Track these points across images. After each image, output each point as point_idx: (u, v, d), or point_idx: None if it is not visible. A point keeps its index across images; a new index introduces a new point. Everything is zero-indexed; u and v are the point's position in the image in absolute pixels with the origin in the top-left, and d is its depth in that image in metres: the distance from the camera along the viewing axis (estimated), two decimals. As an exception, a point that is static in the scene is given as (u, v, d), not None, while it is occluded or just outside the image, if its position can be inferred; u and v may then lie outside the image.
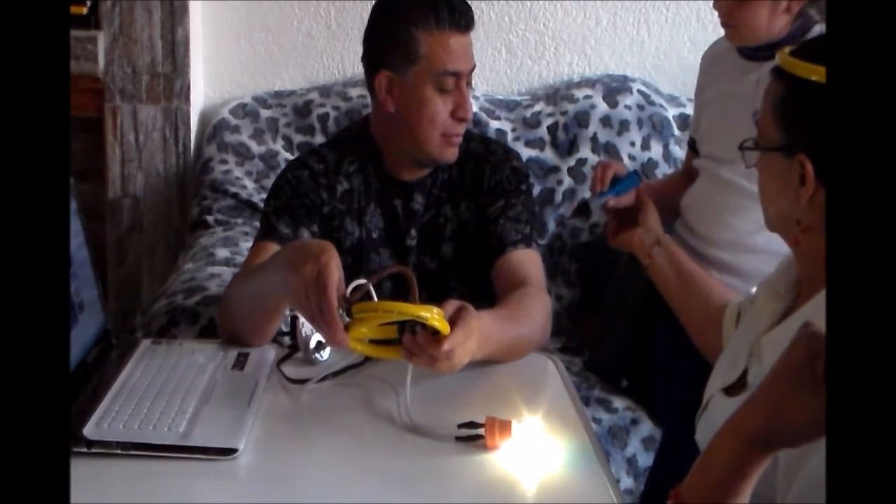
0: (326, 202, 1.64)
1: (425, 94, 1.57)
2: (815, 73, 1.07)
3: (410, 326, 1.28)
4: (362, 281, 1.30)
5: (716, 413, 1.19)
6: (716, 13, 1.81)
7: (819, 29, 1.73)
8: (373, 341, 1.34)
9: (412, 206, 1.67)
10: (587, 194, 2.50)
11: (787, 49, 1.14)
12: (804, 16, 1.74)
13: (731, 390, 1.20)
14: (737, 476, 0.91)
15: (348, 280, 1.30)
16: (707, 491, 0.93)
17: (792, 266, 1.23)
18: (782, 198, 1.14)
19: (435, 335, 1.27)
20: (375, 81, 1.60)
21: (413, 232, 1.67)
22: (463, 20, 1.57)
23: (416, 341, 1.28)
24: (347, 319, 1.27)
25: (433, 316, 1.26)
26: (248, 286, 1.48)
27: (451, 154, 1.62)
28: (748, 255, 1.76)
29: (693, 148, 2.02)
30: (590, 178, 2.53)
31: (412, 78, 1.57)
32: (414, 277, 1.31)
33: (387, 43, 1.59)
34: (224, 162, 2.53)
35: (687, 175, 2.06)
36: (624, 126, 2.56)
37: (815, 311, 1.09)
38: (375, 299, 1.29)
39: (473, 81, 2.64)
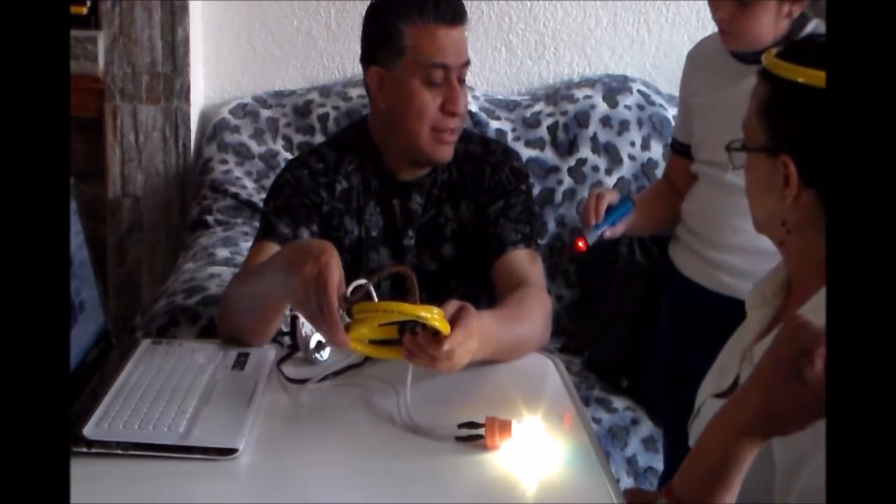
0: (326, 201, 1.64)
1: (412, 88, 1.57)
2: (801, 74, 1.07)
3: (411, 327, 1.28)
4: (362, 281, 1.29)
5: (707, 418, 1.19)
6: None
7: (813, 25, 1.72)
8: (373, 341, 1.34)
9: (410, 206, 1.67)
10: (587, 193, 2.52)
11: (773, 51, 1.14)
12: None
13: (723, 396, 1.20)
14: (727, 467, 0.92)
15: (349, 279, 1.30)
16: (698, 484, 0.94)
17: (779, 270, 1.23)
18: (767, 199, 1.15)
19: (435, 335, 1.27)
20: (368, 79, 1.61)
21: (410, 232, 1.67)
22: (449, 13, 1.56)
23: (416, 341, 1.28)
24: (348, 319, 1.27)
25: (433, 316, 1.26)
26: (248, 286, 1.47)
27: (444, 152, 1.61)
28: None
29: (679, 152, 1.97)
30: (590, 178, 2.55)
31: (400, 72, 1.57)
32: (414, 277, 1.31)
33: (375, 39, 1.60)
34: (224, 162, 2.53)
35: (669, 181, 2.00)
36: (624, 126, 2.56)
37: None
38: (376, 299, 1.29)
39: (473, 81, 2.63)
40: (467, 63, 1.60)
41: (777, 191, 1.11)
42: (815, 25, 1.71)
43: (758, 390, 0.92)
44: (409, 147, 1.61)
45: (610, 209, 1.73)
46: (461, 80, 1.59)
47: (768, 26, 1.67)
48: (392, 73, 1.58)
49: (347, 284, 1.29)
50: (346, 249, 1.63)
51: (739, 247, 1.75)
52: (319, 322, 1.28)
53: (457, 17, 1.57)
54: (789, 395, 0.88)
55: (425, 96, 1.57)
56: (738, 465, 0.92)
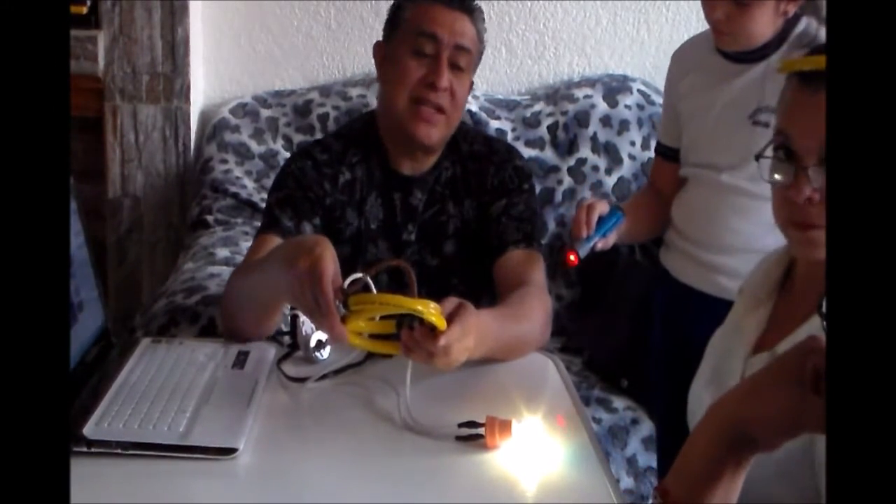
0: (329, 193, 1.64)
1: (400, 54, 1.61)
2: None
3: (408, 321, 1.27)
4: (359, 275, 1.29)
5: None
6: None
7: (804, 23, 1.71)
8: (371, 336, 1.34)
9: (411, 201, 1.67)
10: (588, 195, 2.52)
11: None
12: None
13: None
14: (714, 465, 0.90)
15: (348, 272, 1.30)
16: (688, 481, 0.92)
17: (770, 270, 1.23)
18: None
19: (433, 331, 1.27)
20: (373, 55, 1.68)
21: (410, 227, 1.67)
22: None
23: (413, 336, 1.27)
24: (344, 311, 1.27)
25: (429, 310, 1.25)
26: (248, 283, 1.48)
27: (423, 130, 1.60)
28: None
29: (665, 156, 1.94)
30: (590, 178, 2.55)
31: (394, 43, 1.63)
32: (412, 272, 1.31)
33: (387, 19, 1.67)
34: (224, 162, 2.53)
35: (654, 186, 1.98)
36: (624, 126, 2.56)
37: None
38: (374, 292, 1.28)
39: (474, 81, 2.62)
40: (463, 48, 1.60)
41: None
42: (807, 24, 1.71)
43: (746, 387, 0.91)
44: (391, 117, 1.63)
45: (600, 220, 1.72)
46: (457, 66, 1.60)
47: (765, 26, 1.67)
48: (389, 45, 1.65)
49: (346, 277, 1.28)
50: (345, 240, 1.63)
51: (739, 248, 1.74)
52: (316, 314, 1.27)
53: (458, 2, 1.61)
54: (776, 396, 0.87)
55: (409, 63, 1.60)
56: (725, 465, 0.90)
